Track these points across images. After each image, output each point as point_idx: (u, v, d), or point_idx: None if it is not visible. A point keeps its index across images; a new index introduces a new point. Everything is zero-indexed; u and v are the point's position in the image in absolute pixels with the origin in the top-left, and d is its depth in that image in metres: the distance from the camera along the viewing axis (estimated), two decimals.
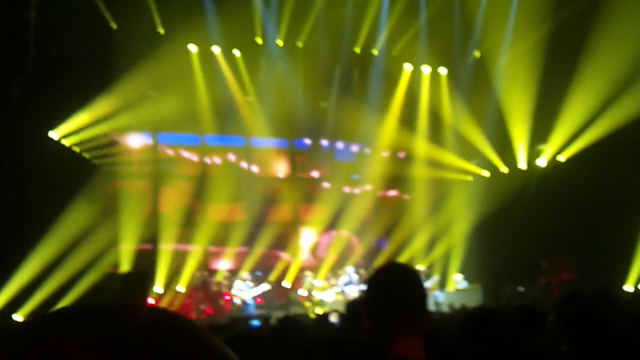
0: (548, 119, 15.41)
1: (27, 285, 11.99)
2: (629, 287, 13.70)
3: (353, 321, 3.86)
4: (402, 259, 16.47)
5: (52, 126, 13.65)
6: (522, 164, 16.52)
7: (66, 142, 13.99)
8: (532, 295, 13.25)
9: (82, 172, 13.65)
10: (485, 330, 2.77)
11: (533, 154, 16.33)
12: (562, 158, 15.57)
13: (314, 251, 16.95)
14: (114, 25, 14.68)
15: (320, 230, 17.04)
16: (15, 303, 11.92)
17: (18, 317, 11.91)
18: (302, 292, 14.45)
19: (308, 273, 14.91)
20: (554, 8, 14.14)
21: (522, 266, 13.88)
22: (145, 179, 15.90)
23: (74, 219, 12.80)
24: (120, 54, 14.12)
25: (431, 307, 13.41)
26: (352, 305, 4.08)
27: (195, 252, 15.35)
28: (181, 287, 14.69)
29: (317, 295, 14.17)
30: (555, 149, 15.76)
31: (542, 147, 16.13)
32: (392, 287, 1.90)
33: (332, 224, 16.97)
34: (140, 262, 14.27)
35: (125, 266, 13.86)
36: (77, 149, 14.30)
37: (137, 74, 14.43)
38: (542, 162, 16.19)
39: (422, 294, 1.93)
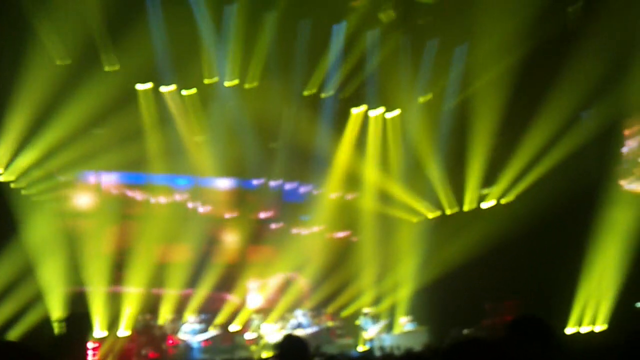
0: (496, 163, 15.88)
1: None
2: (571, 330, 13.99)
3: (287, 355, 4.05)
4: (350, 300, 16.49)
5: None
6: (468, 207, 16.86)
7: (5, 179, 13.57)
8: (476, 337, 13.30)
9: (22, 210, 13.23)
10: None
11: (479, 198, 16.71)
12: (506, 200, 15.98)
13: (262, 293, 16.69)
14: (60, 62, 14.44)
15: (268, 272, 16.84)
16: None
17: None
18: (248, 335, 14.18)
19: (255, 316, 14.68)
20: (502, 53, 14.65)
21: (467, 308, 13.99)
22: (88, 218, 15.48)
23: (12, 258, 12.36)
24: (67, 91, 13.87)
25: (377, 351, 13.35)
26: (287, 340, 4.22)
27: (138, 295, 14.93)
28: (124, 331, 14.24)
29: (263, 338, 13.93)
30: (500, 192, 16.18)
31: (487, 190, 16.53)
32: None
33: (280, 266, 16.82)
34: (79, 304, 13.78)
35: (63, 309, 13.32)
36: (16, 186, 13.87)
37: (83, 111, 14.20)
38: (487, 205, 16.55)
39: None
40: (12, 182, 13.74)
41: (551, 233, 13.43)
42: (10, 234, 12.52)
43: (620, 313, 13.45)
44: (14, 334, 12.26)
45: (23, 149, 13.65)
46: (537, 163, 15.14)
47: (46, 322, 12.80)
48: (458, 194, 17.05)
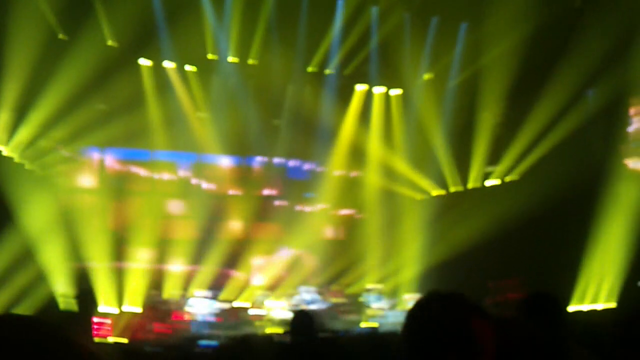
0: (501, 141, 15.87)
1: None
2: (574, 307, 14.09)
3: (298, 329, 4.21)
4: (357, 277, 16.57)
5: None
6: (473, 185, 16.89)
7: (10, 154, 13.46)
8: None
9: (27, 184, 13.16)
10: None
11: (484, 175, 16.72)
12: (510, 178, 16.02)
13: (266, 270, 16.76)
14: (62, 36, 14.26)
15: (272, 249, 16.90)
16: None
17: None
18: (253, 311, 14.25)
19: (260, 292, 14.76)
20: (507, 30, 14.57)
21: (471, 286, 14.06)
22: (93, 194, 15.43)
23: (15, 235, 12.29)
24: (69, 66, 13.73)
25: (388, 327, 13.44)
26: (298, 315, 4.40)
27: (145, 271, 14.96)
28: (133, 307, 14.29)
29: (268, 314, 14.01)
30: (505, 171, 16.20)
31: (492, 168, 16.54)
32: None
33: (285, 243, 16.87)
34: (84, 281, 13.79)
35: (68, 285, 13.30)
36: (21, 161, 13.78)
37: (87, 86, 14.10)
38: (491, 182, 16.59)
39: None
40: (14, 156, 13.64)
41: (556, 211, 13.44)
42: (13, 209, 12.43)
43: (625, 291, 13.54)
44: (19, 311, 12.22)
45: (25, 123, 13.54)
46: (542, 141, 15.14)
47: (51, 298, 12.80)
48: (462, 171, 17.06)
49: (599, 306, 14.04)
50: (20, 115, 13.40)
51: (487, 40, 15.45)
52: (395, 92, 18.00)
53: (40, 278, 12.72)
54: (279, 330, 12.20)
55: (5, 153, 13.38)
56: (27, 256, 12.36)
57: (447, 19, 16.46)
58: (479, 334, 1.62)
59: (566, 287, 13.76)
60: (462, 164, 16.93)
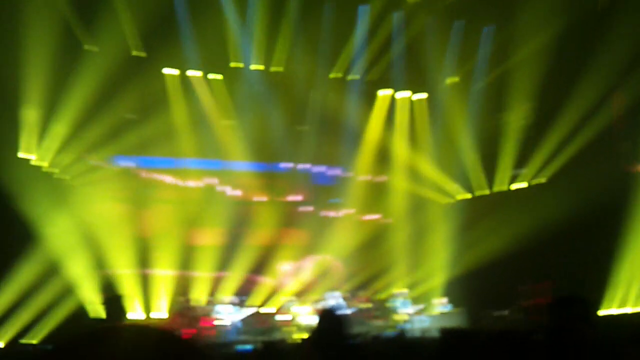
0: (528, 144, 15.73)
1: (2, 311, 11.62)
2: (605, 311, 13.89)
3: (326, 330, 3.95)
4: (384, 282, 16.52)
5: (26, 147, 13.36)
6: (499, 188, 16.76)
7: (42, 164, 13.67)
8: (512, 319, 13.32)
9: (59, 194, 13.34)
10: (458, 351, 2.87)
11: (513, 178, 16.59)
12: (538, 181, 15.87)
13: (294, 276, 16.77)
14: (90, 48, 14.47)
15: (300, 255, 16.91)
16: None
17: None
18: (282, 317, 14.26)
19: (289, 298, 14.77)
20: (533, 32, 14.49)
21: (503, 290, 13.94)
22: (123, 202, 15.58)
23: (50, 243, 12.46)
24: (98, 77, 13.92)
25: (416, 332, 13.36)
26: (327, 315, 4.06)
27: (173, 277, 15.07)
28: (162, 313, 14.40)
29: (298, 320, 14.01)
30: (532, 174, 16.04)
31: (519, 170, 16.40)
32: None
33: (312, 248, 16.88)
34: (114, 287, 13.93)
35: (98, 293, 13.42)
36: (53, 171, 13.98)
37: (115, 97, 14.30)
38: (518, 186, 16.45)
39: None
40: (49, 167, 13.86)
41: (587, 214, 13.25)
42: (42, 218, 12.59)
43: None
44: (53, 320, 12.40)
45: (54, 133, 13.74)
46: (570, 143, 14.97)
47: (82, 306, 12.95)
48: (489, 175, 16.95)
49: (630, 309, 13.82)
50: (48, 125, 13.60)
51: (512, 42, 15.36)
52: (420, 96, 17.95)
53: (71, 286, 12.85)
54: (306, 335, 12.17)
55: (34, 162, 13.59)
56: (56, 265, 12.50)
57: (471, 22, 16.39)
58: None
59: (596, 291, 13.58)
60: (489, 167, 16.81)
